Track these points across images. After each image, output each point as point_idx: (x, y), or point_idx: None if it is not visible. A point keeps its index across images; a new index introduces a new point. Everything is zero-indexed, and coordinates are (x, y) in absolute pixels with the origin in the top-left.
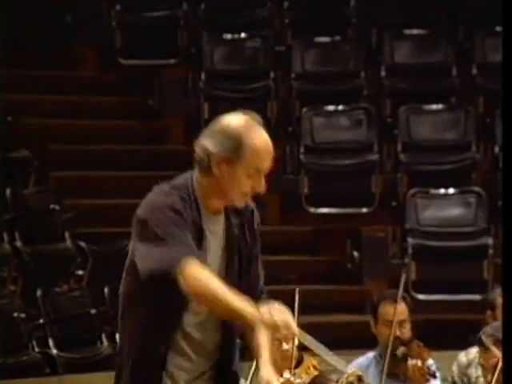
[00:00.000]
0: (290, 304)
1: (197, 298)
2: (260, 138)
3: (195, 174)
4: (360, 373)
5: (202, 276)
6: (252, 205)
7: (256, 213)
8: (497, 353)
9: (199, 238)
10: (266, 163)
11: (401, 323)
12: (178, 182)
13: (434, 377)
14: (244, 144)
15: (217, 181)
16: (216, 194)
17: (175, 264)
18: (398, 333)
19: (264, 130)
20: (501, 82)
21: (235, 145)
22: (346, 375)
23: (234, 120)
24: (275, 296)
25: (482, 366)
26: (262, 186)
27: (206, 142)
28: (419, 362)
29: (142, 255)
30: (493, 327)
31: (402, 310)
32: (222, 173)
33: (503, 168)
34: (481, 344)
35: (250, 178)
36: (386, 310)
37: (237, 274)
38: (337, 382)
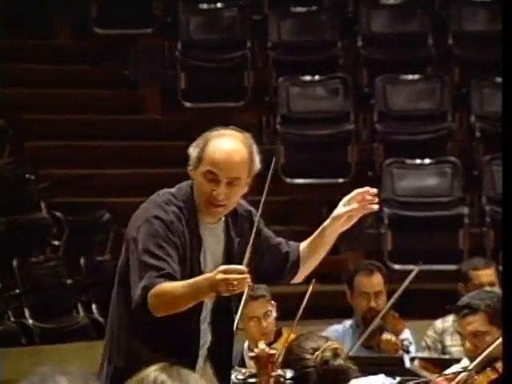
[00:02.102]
0: None
1: (167, 311)
2: (221, 146)
3: (190, 183)
4: (337, 345)
5: (161, 291)
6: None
7: (253, 212)
8: None
9: (197, 244)
10: (224, 171)
11: (376, 294)
12: (178, 190)
13: (407, 352)
14: (206, 148)
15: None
16: (199, 207)
17: (144, 292)
18: (373, 304)
19: (238, 144)
20: (502, 80)
21: (200, 149)
22: (322, 348)
23: (212, 131)
24: None
25: (460, 334)
26: (220, 194)
27: (190, 150)
28: (393, 337)
29: (132, 285)
30: (469, 296)
31: (377, 281)
32: (194, 176)
33: (504, 169)
34: (457, 312)
35: (210, 183)
36: (362, 281)
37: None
38: (312, 353)
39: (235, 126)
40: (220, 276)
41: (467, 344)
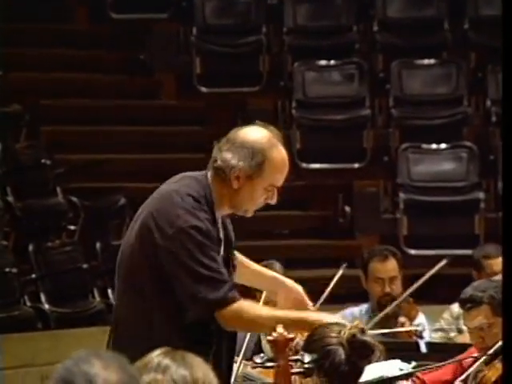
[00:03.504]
0: (280, 258)
1: (244, 329)
2: (280, 156)
3: (211, 180)
4: (363, 325)
5: (242, 311)
6: None
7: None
8: None
9: (218, 241)
10: (283, 179)
11: (391, 280)
12: (195, 190)
13: (421, 337)
14: (266, 161)
15: (234, 192)
16: (229, 204)
17: (217, 306)
18: (388, 289)
19: (282, 146)
20: (502, 74)
21: (258, 162)
22: (349, 326)
23: (258, 136)
24: (267, 251)
25: (467, 327)
26: (275, 200)
27: (229, 156)
28: (407, 322)
29: (188, 294)
30: (472, 287)
31: (392, 266)
32: (241, 186)
33: (503, 165)
34: (461, 305)
35: (267, 193)
36: (377, 266)
37: (233, 271)
38: (338, 332)
39: (260, 122)
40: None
41: (473, 337)
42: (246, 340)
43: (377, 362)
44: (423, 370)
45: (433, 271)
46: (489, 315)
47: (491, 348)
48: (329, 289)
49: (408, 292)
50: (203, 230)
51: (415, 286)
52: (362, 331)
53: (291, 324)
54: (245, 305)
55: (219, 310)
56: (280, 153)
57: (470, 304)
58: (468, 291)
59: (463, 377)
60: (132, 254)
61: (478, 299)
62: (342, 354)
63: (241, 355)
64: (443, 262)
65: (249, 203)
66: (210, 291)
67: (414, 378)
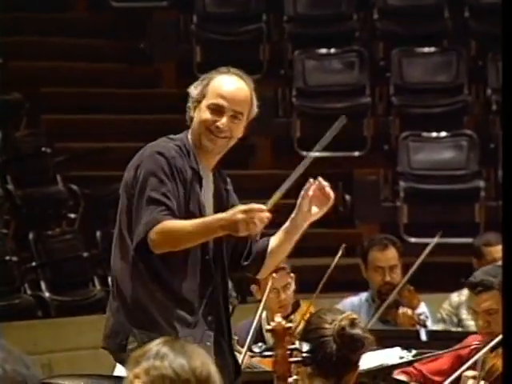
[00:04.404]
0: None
1: (170, 247)
2: (226, 80)
3: (189, 132)
4: (354, 316)
5: (166, 227)
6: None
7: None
8: None
9: (198, 181)
10: (230, 103)
11: (391, 268)
12: (175, 136)
13: (424, 326)
14: (210, 82)
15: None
16: (197, 143)
17: (147, 228)
18: (388, 278)
19: (243, 82)
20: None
21: (204, 86)
22: (340, 317)
23: (215, 70)
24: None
25: (474, 310)
26: (224, 124)
27: (191, 89)
28: (409, 311)
29: (135, 223)
30: (483, 272)
31: (391, 255)
32: (193, 115)
33: (504, 166)
34: (471, 288)
35: (213, 114)
36: (376, 255)
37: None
38: (330, 323)
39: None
40: (241, 216)
41: (480, 321)
42: (250, 332)
43: (370, 351)
44: (423, 358)
45: (425, 252)
46: (498, 301)
47: (495, 334)
48: (329, 270)
49: (405, 280)
50: (166, 156)
51: (411, 271)
52: (352, 323)
53: (207, 225)
54: (167, 222)
55: (149, 230)
56: (227, 78)
57: (480, 288)
58: (478, 275)
59: (470, 363)
60: (121, 216)
61: (489, 284)
62: (333, 345)
63: (245, 346)
64: (434, 242)
65: (200, 125)
66: (147, 214)
67: (411, 369)
